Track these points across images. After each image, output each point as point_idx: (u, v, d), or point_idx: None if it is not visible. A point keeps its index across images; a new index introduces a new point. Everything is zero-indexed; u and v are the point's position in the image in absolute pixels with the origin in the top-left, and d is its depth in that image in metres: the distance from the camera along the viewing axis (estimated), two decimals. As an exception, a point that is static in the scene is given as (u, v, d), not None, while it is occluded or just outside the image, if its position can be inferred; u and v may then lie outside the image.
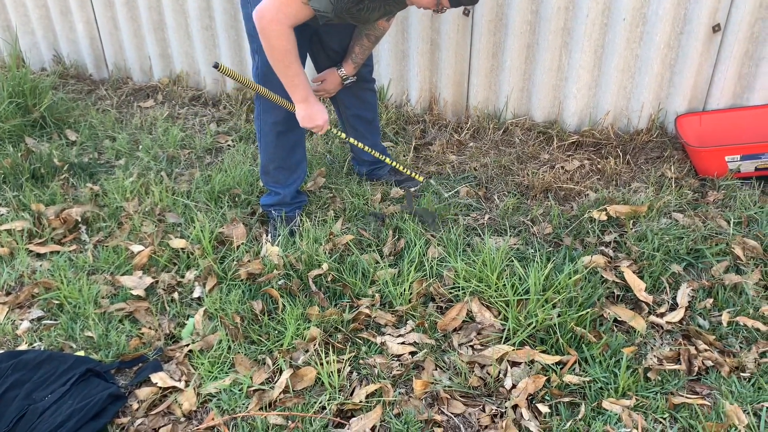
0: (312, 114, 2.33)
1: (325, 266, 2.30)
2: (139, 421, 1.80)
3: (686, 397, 1.78)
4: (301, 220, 2.60)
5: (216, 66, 2.19)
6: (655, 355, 1.93)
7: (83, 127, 3.55)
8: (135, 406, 1.84)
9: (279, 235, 2.49)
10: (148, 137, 3.43)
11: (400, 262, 2.35)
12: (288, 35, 2.11)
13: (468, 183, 2.94)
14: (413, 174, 2.71)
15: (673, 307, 2.14)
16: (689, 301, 2.14)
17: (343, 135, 2.58)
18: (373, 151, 2.63)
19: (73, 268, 2.40)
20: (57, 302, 2.24)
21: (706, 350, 1.94)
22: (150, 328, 2.11)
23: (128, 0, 3.99)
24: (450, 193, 2.84)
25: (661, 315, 2.10)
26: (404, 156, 3.17)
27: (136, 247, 2.47)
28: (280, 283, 2.25)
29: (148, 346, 2.04)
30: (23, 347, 2.06)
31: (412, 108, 3.56)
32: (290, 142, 2.53)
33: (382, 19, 2.42)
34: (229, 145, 3.39)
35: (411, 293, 2.19)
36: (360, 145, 2.64)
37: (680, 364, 1.90)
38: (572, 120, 3.25)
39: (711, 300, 2.13)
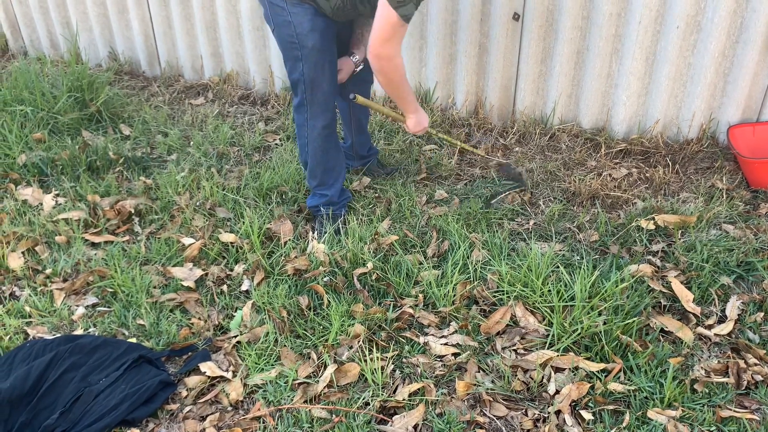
0: (420, 119, 2.56)
1: (369, 265, 2.33)
2: (187, 408, 1.85)
3: (734, 411, 1.75)
4: (346, 219, 2.64)
5: (353, 97, 2.47)
6: (702, 367, 1.91)
7: (137, 122, 3.66)
8: (184, 393, 1.90)
9: (326, 233, 2.53)
10: (198, 134, 3.52)
11: (444, 263, 2.36)
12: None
13: (513, 188, 2.94)
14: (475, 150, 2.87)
15: (722, 319, 2.11)
16: (739, 314, 2.11)
17: (442, 135, 2.77)
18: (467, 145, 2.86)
19: (126, 258, 2.48)
20: (111, 290, 2.31)
21: (755, 364, 1.90)
22: (199, 318, 2.17)
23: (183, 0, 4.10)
24: (496, 200, 2.84)
25: (709, 327, 2.07)
26: (449, 159, 3.18)
27: (187, 240, 2.54)
28: (325, 279, 2.29)
29: (197, 336, 2.10)
30: (78, 332, 2.14)
31: (458, 111, 3.57)
32: (333, 142, 2.59)
33: None
34: (276, 144, 3.46)
35: (454, 295, 2.21)
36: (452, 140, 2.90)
37: (728, 377, 1.87)
38: (620, 127, 3.22)
39: (762, 314, 2.09)
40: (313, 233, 2.59)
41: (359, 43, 2.63)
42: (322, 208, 2.64)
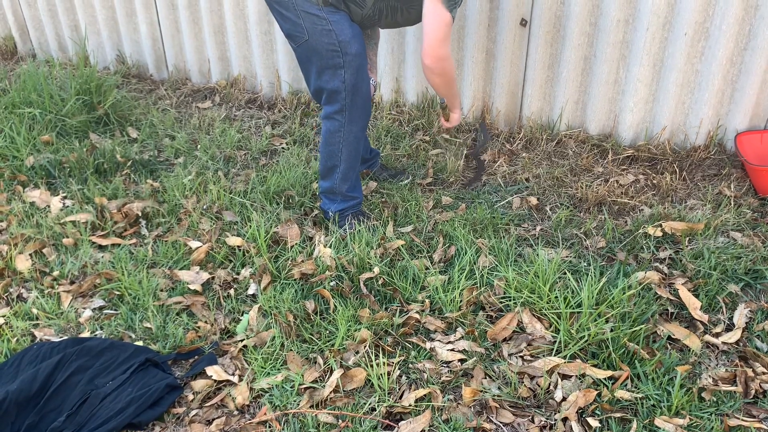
0: (460, 115, 2.69)
1: (376, 270, 2.33)
2: (194, 412, 1.85)
3: (742, 420, 1.74)
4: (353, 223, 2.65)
5: (442, 102, 2.62)
6: (710, 375, 1.90)
7: (144, 125, 3.67)
8: (190, 397, 1.90)
9: (359, 231, 2.55)
10: (206, 137, 3.53)
11: (450, 269, 2.36)
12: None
13: (519, 193, 2.94)
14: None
15: (730, 327, 2.10)
16: (746, 323, 2.10)
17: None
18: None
19: (133, 261, 2.49)
20: (118, 293, 2.32)
21: (764, 373, 1.89)
22: (206, 322, 2.18)
23: (191, 3, 4.12)
24: (503, 202, 2.84)
25: (717, 335, 2.06)
26: (455, 163, 3.18)
27: (194, 243, 2.54)
28: (332, 284, 2.29)
29: (203, 340, 2.11)
30: (85, 335, 2.15)
31: (464, 116, 3.57)
32: (362, 143, 2.62)
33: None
34: (283, 148, 3.46)
35: (461, 301, 2.20)
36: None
37: (736, 385, 1.86)
38: (628, 134, 3.22)
39: (770, 322, 2.08)
40: (345, 234, 2.60)
41: (373, 68, 2.71)
42: (350, 211, 2.66)
